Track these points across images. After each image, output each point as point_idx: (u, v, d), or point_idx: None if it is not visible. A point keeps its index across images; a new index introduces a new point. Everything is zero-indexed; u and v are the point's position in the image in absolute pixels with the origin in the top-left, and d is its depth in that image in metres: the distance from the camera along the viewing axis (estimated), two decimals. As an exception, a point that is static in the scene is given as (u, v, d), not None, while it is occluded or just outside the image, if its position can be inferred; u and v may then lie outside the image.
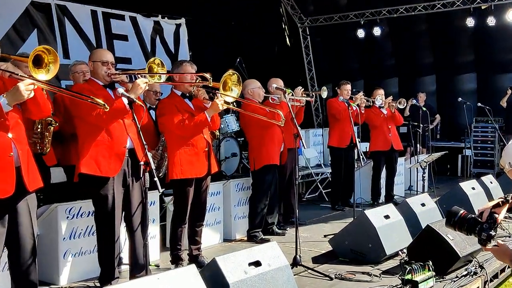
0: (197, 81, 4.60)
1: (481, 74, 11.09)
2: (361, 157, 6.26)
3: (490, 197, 6.60)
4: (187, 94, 4.64)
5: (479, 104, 9.73)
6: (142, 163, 3.77)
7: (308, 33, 12.17)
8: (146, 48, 8.54)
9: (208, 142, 4.69)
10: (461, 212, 2.39)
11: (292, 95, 5.76)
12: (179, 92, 4.63)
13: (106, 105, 3.36)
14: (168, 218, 5.33)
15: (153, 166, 3.57)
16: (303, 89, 6.08)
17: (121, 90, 3.80)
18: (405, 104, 8.07)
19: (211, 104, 4.47)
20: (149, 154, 3.62)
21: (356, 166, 7.43)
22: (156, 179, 3.49)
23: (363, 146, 9.07)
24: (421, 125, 8.54)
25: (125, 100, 3.78)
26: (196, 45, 9.37)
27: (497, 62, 10.69)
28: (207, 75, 4.35)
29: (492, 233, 2.31)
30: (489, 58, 10.82)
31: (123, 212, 4.03)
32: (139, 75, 3.90)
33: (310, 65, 12.34)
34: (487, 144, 10.52)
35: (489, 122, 10.24)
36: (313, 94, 6.62)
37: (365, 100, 7.47)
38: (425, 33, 11.38)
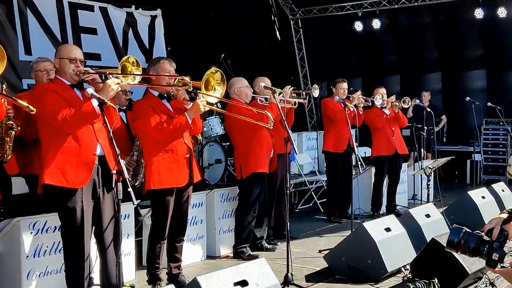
0: (176, 81, 4.60)
1: (491, 71, 11.16)
2: (359, 163, 6.29)
3: (501, 206, 6.66)
4: (165, 95, 4.63)
5: (489, 103, 9.79)
6: (114, 172, 3.75)
7: (300, 26, 12.22)
8: (117, 42, 8.50)
9: (189, 147, 4.69)
10: (463, 231, 2.31)
11: (282, 95, 5.79)
12: (156, 93, 4.62)
13: (31, 107, 3.32)
14: (144, 233, 5.31)
15: (126, 175, 3.56)
16: (292, 88, 6.10)
17: (90, 90, 3.78)
18: (410, 104, 8.10)
19: (191, 105, 4.48)
20: (122, 162, 3.61)
21: (354, 173, 7.46)
22: (130, 189, 3.48)
23: (362, 151, 9.11)
24: (426, 127, 8.58)
25: (95, 102, 3.77)
26: (174, 39, 9.36)
27: (509, 57, 10.77)
28: (187, 79, 4.34)
29: (506, 252, 2.23)
30: (499, 53, 10.90)
31: (94, 227, 4.01)
32: (110, 75, 3.88)
33: (302, 61, 12.38)
34: (498, 148, 10.60)
35: (501, 123, 10.30)
36: (305, 93, 6.61)
37: (364, 100, 7.50)
38: (429, 25, 11.46)
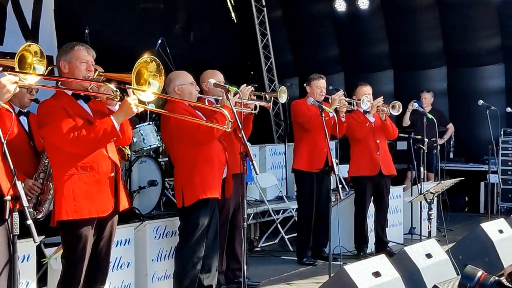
0: (96, 75, 4.56)
1: (511, 66, 11.43)
2: (340, 186, 6.32)
3: (524, 243, 6.78)
4: (82, 94, 4.58)
5: (509, 109, 9.99)
6: (8, 198, 3.68)
7: (264, 4, 12.28)
8: (-10, 19, 8.26)
9: (115, 164, 4.65)
10: (479, 274, 2.34)
11: (239, 96, 5.78)
12: (69, 91, 4.57)
13: None
14: (50, 280, 5.23)
15: (25, 203, 3.49)
16: (252, 88, 6.10)
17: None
18: (400, 110, 8.17)
19: (120, 105, 4.43)
20: (19, 185, 3.54)
21: (333, 200, 7.50)
22: (30, 222, 3.41)
23: (344, 170, 9.16)
24: (426, 139, 8.68)
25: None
26: (91, 19, 9.24)
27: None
28: (112, 86, 4.27)
29: None
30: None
31: (-20, 273, 3.93)
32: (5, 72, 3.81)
33: (267, 50, 12.44)
34: (520, 167, 10.85)
35: (524, 135, 10.58)
36: (268, 97, 6.60)
37: (347, 103, 7.55)
38: (432, 7, 11.65)
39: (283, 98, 6.38)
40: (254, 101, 6.13)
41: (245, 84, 6.06)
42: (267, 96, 6.58)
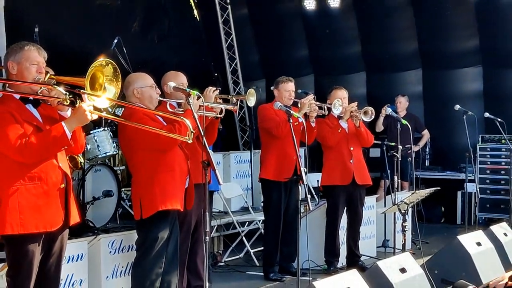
0: (47, 78, 4.52)
1: (489, 69, 11.56)
2: (309, 197, 6.32)
3: (504, 257, 6.83)
4: (30, 98, 4.54)
5: (487, 114, 10.07)
6: None
7: (228, 1, 12.26)
8: None
9: (66, 174, 4.61)
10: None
11: (202, 100, 5.76)
12: (17, 95, 4.52)
13: None
14: (-5, 300, 5.17)
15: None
16: (217, 91, 6.08)
17: None
18: (373, 116, 8.17)
19: (74, 110, 4.40)
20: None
21: (302, 211, 7.50)
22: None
23: (313, 179, 9.17)
24: (400, 146, 8.72)
25: None
26: (34, 16, 9.15)
27: (513, 51, 11.15)
28: (61, 89, 4.23)
29: None
30: (501, 46, 11.25)
31: None
32: None
33: (232, 51, 12.42)
34: (499, 175, 10.95)
35: (503, 141, 10.61)
36: (235, 100, 6.58)
37: (317, 108, 7.56)
38: (406, 6, 11.74)
39: (251, 101, 6.37)
40: (219, 105, 6.09)
41: (210, 87, 6.04)
42: (234, 99, 6.56)
